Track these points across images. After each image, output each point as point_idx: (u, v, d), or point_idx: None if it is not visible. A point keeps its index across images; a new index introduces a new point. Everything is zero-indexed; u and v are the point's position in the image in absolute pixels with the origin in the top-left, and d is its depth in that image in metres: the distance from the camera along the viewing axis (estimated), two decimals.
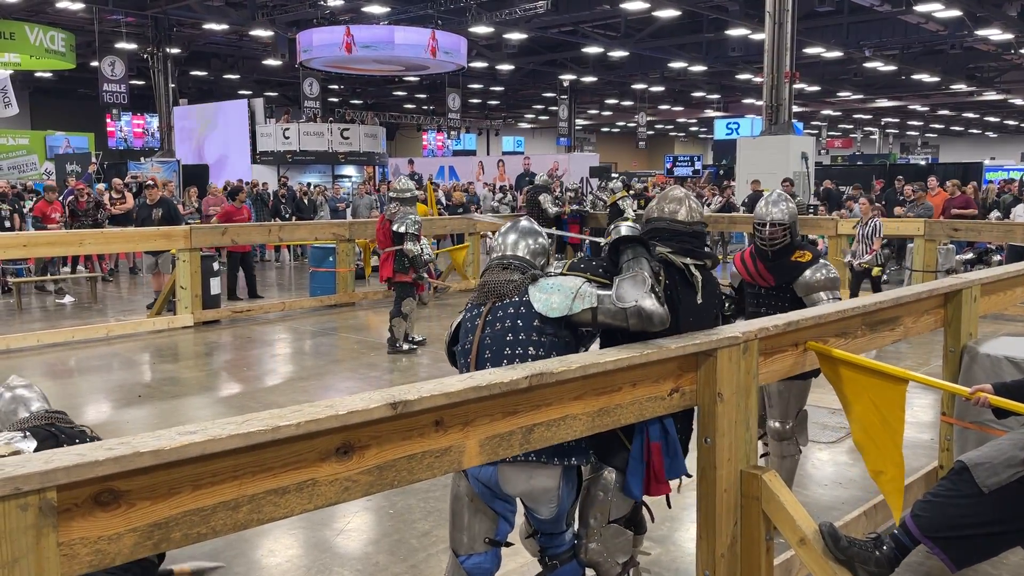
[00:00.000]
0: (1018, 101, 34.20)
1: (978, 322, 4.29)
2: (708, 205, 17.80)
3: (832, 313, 3.37)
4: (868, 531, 3.83)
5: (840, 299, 4.16)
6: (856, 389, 3.23)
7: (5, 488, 1.47)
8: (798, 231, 4.35)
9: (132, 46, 22.98)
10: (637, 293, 2.69)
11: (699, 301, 2.92)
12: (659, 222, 3.06)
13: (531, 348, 2.72)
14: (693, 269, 2.93)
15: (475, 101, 37.47)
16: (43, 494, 1.52)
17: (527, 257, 3.00)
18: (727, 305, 3.22)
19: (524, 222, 3.20)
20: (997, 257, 11.87)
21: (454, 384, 2.18)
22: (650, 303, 2.67)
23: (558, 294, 2.77)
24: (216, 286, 9.74)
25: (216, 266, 9.82)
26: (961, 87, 29.95)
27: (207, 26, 23.01)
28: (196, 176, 19.33)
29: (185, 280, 9.21)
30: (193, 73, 30.52)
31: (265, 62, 27.20)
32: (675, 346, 2.71)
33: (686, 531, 3.92)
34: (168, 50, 23.47)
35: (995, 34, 21.10)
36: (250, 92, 30.67)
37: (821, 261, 4.23)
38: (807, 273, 4.16)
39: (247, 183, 17.51)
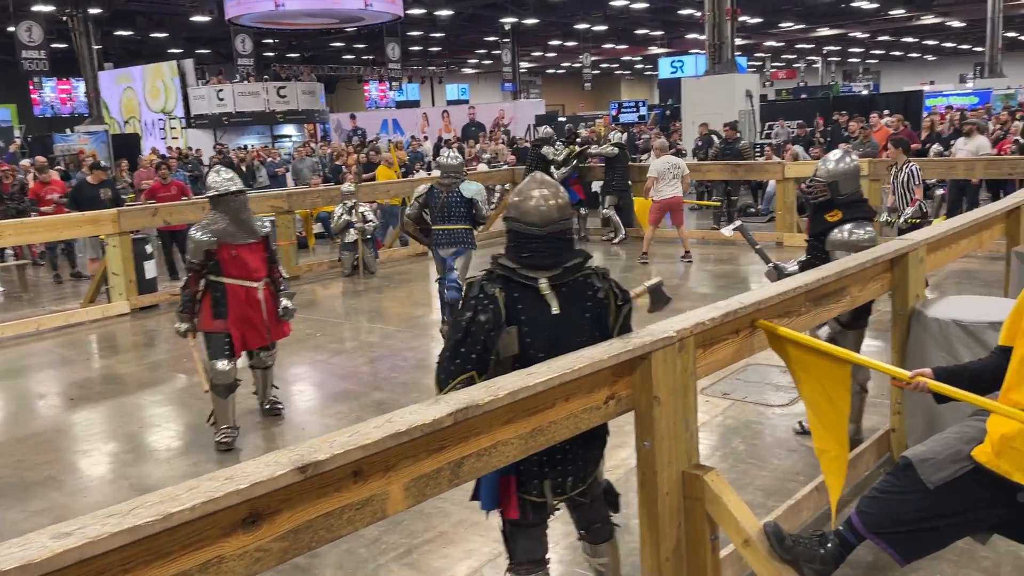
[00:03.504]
0: (955, 24, 34.39)
1: (924, 281, 4.29)
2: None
3: (772, 296, 3.30)
4: (820, 505, 3.82)
5: None
6: (803, 367, 3.19)
7: None
8: (842, 191, 4.47)
9: (49, 8, 21.75)
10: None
11: (554, 312, 2.67)
12: (513, 223, 2.74)
13: (462, 209, 6.89)
14: (544, 286, 2.66)
15: (416, 48, 36.52)
16: None
17: (458, 171, 6.98)
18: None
19: (454, 151, 7.53)
20: (940, 191, 11.95)
21: (371, 433, 2.04)
22: None
23: (471, 190, 6.92)
24: (151, 269, 9.36)
25: (149, 248, 9.43)
26: (900, 12, 30.00)
27: None
28: (127, 147, 18.57)
29: (117, 266, 8.83)
30: (118, 33, 29.16)
31: (193, 19, 26.07)
32: (608, 355, 2.60)
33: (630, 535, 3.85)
34: (88, 10, 22.34)
35: None
36: (180, 51, 29.47)
37: (849, 224, 4.42)
38: (833, 232, 4.44)
39: (175, 151, 16.78)
